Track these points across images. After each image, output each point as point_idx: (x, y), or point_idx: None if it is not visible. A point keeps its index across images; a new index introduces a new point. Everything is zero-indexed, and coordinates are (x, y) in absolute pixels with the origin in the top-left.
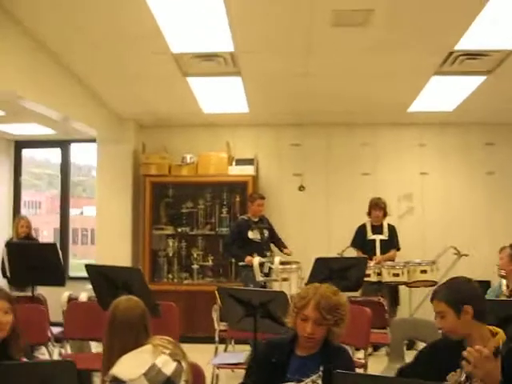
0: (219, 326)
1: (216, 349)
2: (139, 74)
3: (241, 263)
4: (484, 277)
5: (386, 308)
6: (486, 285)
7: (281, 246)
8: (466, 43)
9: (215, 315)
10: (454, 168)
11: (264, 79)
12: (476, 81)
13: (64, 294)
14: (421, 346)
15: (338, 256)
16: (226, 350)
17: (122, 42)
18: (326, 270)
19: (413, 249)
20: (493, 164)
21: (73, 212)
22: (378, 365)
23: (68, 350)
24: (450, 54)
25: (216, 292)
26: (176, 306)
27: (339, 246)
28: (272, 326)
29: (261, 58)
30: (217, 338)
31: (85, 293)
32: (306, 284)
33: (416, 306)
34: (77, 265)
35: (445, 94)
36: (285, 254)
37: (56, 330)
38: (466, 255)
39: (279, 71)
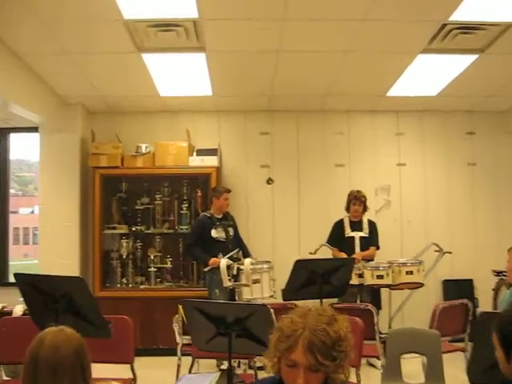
0: (182, 340)
1: (178, 367)
2: (86, 48)
3: (206, 269)
4: (466, 275)
5: (376, 316)
6: (468, 284)
7: (243, 252)
8: (462, 14)
9: (176, 328)
10: (434, 158)
11: (231, 55)
12: (466, 60)
13: None
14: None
15: (320, 257)
16: (190, 370)
17: (63, 8)
18: (307, 273)
19: (391, 246)
20: (474, 154)
21: (25, 211)
22: (368, 381)
23: (2, 375)
24: (444, 26)
25: (180, 306)
26: (131, 317)
27: (311, 243)
28: (250, 347)
29: (229, 28)
30: (179, 354)
31: (20, 305)
32: (284, 290)
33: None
34: (27, 266)
35: (429, 75)
36: None
37: None
38: (450, 253)
39: (249, 45)
